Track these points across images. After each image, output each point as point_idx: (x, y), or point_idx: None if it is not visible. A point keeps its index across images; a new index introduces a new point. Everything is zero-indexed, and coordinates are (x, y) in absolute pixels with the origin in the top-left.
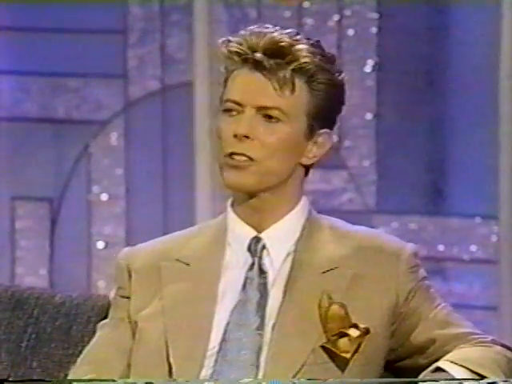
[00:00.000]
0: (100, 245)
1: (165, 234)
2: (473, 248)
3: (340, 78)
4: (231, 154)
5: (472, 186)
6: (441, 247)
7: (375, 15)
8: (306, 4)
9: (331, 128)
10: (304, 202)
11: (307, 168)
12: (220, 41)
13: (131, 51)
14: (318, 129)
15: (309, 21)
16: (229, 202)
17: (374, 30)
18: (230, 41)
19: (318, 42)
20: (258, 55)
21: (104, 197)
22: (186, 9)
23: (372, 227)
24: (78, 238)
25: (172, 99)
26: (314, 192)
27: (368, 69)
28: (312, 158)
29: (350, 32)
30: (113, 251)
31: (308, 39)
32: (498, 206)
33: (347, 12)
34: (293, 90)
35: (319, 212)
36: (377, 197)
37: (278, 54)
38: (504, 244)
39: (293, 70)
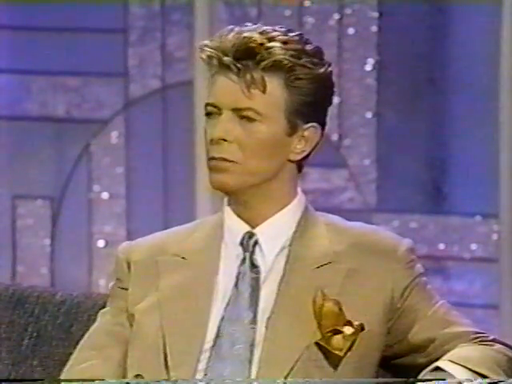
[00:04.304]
0: (101, 243)
1: None
2: (473, 246)
3: (323, 70)
4: (211, 159)
5: (472, 184)
6: (441, 246)
7: (376, 14)
8: (306, 3)
9: (319, 121)
10: (300, 199)
11: (299, 164)
12: (198, 46)
13: (132, 50)
14: (303, 124)
15: (309, 20)
16: (226, 198)
17: (374, 28)
18: (206, 45)
19: (300, 35)
20: (226, 59)
21: (105, 195)
22: (187, 8)
23: None
24: (78, 236)
25: (172, 98)
26: (314, 191)
27: (368, 67)
28: (300, 154)
29: (351, 31)
30: (113, 250)
31: (285, 35)
32: (498, 205)
33: (348, 11)
34: (264, 90)
35: (319, 211)
36: (377, 195)
37: (248, 54)
38: (504, 242)
39: (263, 69)
